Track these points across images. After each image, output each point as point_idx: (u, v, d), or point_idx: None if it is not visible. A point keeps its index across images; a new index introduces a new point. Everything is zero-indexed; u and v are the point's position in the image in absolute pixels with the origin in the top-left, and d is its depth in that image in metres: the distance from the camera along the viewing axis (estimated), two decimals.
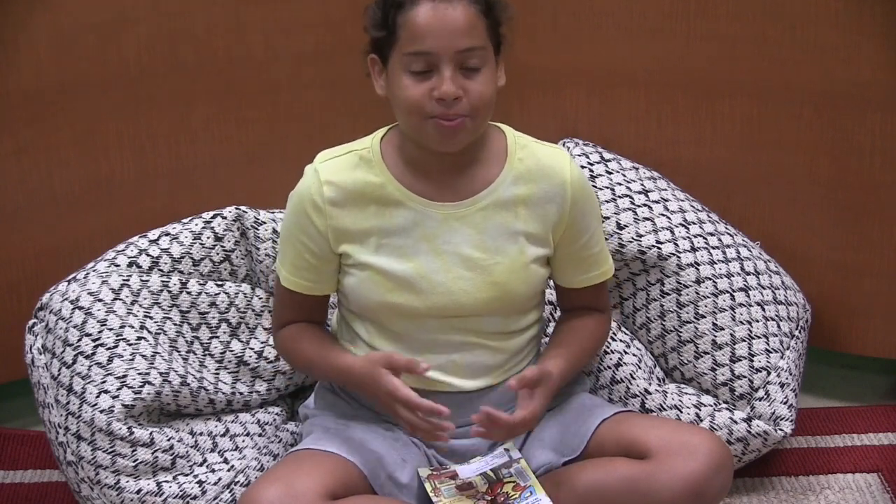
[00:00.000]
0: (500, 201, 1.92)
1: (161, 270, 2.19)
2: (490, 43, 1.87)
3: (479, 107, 1.85)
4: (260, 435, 2.17)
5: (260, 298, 2.25)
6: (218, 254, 2.24)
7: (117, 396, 2.03)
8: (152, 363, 2.08)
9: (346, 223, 1.92)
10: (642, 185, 2.34)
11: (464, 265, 1.91)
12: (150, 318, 2.14)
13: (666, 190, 2.36)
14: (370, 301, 1.94)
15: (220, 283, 2.23)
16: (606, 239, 2.27)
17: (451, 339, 1.94)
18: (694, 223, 2.31)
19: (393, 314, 1.94)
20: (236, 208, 2.28)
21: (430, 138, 1.86)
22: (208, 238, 2.24)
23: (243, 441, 2.14)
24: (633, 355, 2.24)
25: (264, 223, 2.28)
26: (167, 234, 2.23)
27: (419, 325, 1.94)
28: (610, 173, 2.35)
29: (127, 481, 2.00)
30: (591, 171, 2.34)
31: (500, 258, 1.92)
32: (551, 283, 2.05)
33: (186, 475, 2.04)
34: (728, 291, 2.24)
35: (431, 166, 1.91)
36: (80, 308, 2.10)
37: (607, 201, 2.31)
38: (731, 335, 2.22)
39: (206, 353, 2.19)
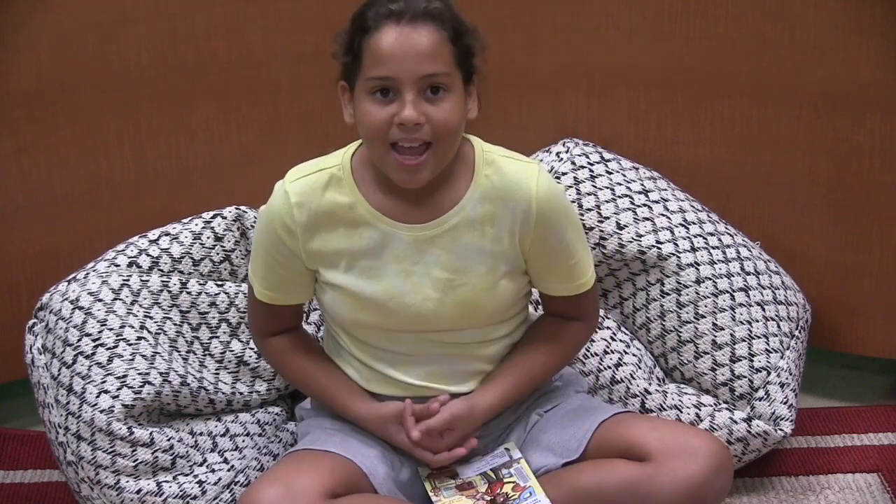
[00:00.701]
0: (467, 220, 1.89)
1: (161, 270, 2.19)
2: (457, 70, 1.83)
3: (442, 134, 1.81)
4: (260, 435, 2.17)
5: None
6: (218, 254, 2.24)
7: (117, 396, 2.03)
8: (152, 363, 2.08)
9: (318, 245, 1.91)
10: (642, 185, 2.34)
11: (433, 286, 1.90)
12: (150, 318, 2.14)
13: (666, 190, 2.36)
14: (343, 317, 1.94)
15: (220, 283, 2.23)
16: (606, 239, 2.27)
17: (429, 351, 1.94)
18: (694, 223, 2.31)
19: (366, 330, 1.94)
20: (236, 208, 2.28)
21: (392, 172, 1.84)
22: (208, 238, 2.24)
23: (243, 441, 2.14)
24: (633, 355, 2.24)
25: None
26: (167, 234, 2.23)
27: (394, 339, 1.93)
28: (610, 173, 2.35)
29: (127, 481, 2.00)
30: (591, 171, 2.34)
31: (468, 278, 1.90)
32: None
33: (186, 475, 2.04)
34: (728, 291, 2.24)
35: (399, 187, 1.87)
36: (80, 308, 2.10)
37: (607, 201, 2.30)
38: (731, 335, 2.22)
39: (206, 353, 2.19)
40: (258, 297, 1.98)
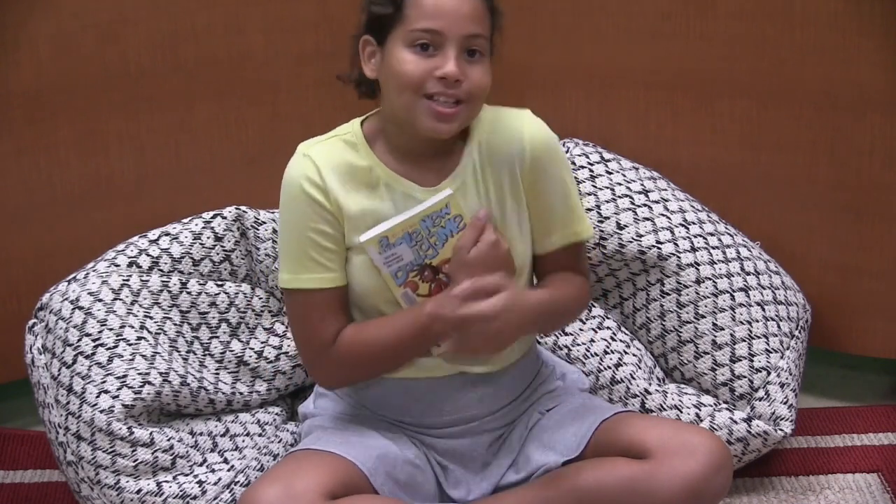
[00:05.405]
0: (473, 176, 1.92)
1: (161, 270, 2.19)
2: (489, 39, 1.89)
3: (476, 94, 1.86)
4: (260, 435, 2.17)
5: (260, 298, 2.25)
6: (218, 254, 2.25)
7: (117, 396, 2.03)
8: (152, 363, 2.08)
9: (344, 203, 1.91)
10: (642, 185, 2.35)
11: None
12: (150, 318, 2.14)
13: (666, 190, 2.36)
14: (366, 286, 1.93)
15: (220, 283, 2.23)
16: (606, 239, 2.28)
17: None
18: (694, 223, 2.31)
19: (388, 299, 1.93)
20: (236, 208, 2.28)
21: (421, 120, 1.86)
22: (208, 238, 2.24)
23: (243, 441, 2.14)
24: (633, 355, 2.24)
25: (264, 223, 2.28)
26: (167, 234, 2.23)
27: None
28: (610, 173, 2.35)
29: (127, 481, 2.00)
30: (591, 171, 2.34)
31: None
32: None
33: (186, 475, 2.04)
34: (728, 291, 2.24)
35: (414, 149, 1.92)
36: (80, 308, 2.10)
37: (607, 201, 2.31)
38: (731, 335, 2.22)
39: (206, 353, 2.19)
40: (296, 287, 1.90)
